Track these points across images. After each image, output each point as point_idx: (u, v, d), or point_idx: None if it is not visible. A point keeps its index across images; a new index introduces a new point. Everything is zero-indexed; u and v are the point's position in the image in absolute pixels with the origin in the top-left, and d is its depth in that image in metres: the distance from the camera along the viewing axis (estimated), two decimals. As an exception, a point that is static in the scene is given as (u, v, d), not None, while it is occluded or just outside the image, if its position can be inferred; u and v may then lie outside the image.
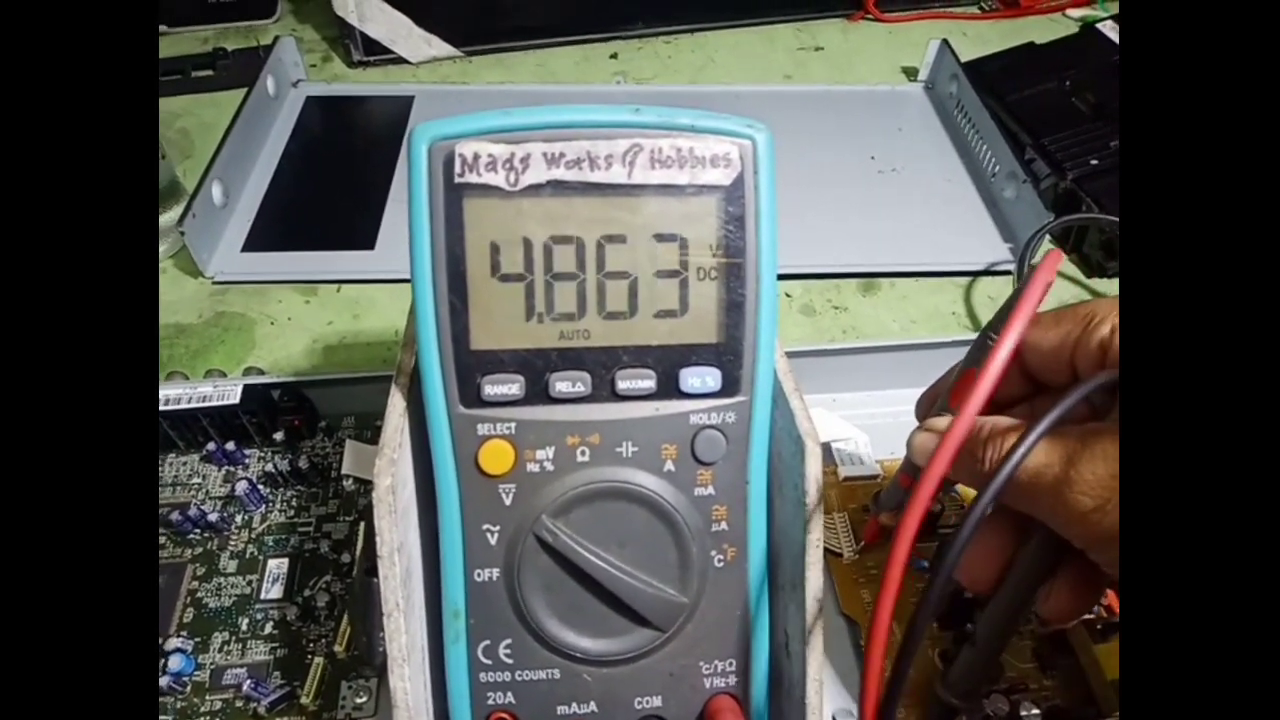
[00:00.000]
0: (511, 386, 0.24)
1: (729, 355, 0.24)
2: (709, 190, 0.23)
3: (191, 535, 0.36)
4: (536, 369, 0.24)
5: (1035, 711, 0.30)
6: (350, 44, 0.66)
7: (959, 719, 0.29)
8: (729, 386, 0.24)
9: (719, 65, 0.69)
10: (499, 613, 0.25)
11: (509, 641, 0.25)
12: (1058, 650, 0.32)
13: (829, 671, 0.32)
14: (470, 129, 0.23)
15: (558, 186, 0.23)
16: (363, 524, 0.35)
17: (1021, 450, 0.22)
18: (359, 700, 0.31)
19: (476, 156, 0.23)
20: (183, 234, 0.48)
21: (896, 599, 0.22)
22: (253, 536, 0.36)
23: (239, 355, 0.47)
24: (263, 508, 0.37)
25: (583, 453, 0.24)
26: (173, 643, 0.33)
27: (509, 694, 0.26)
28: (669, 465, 0.25)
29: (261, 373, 0.42)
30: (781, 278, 0.24)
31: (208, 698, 0.32)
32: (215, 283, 0.51)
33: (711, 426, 0.25)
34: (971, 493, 0.30)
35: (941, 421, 0.25)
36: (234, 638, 0.33)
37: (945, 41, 0.64)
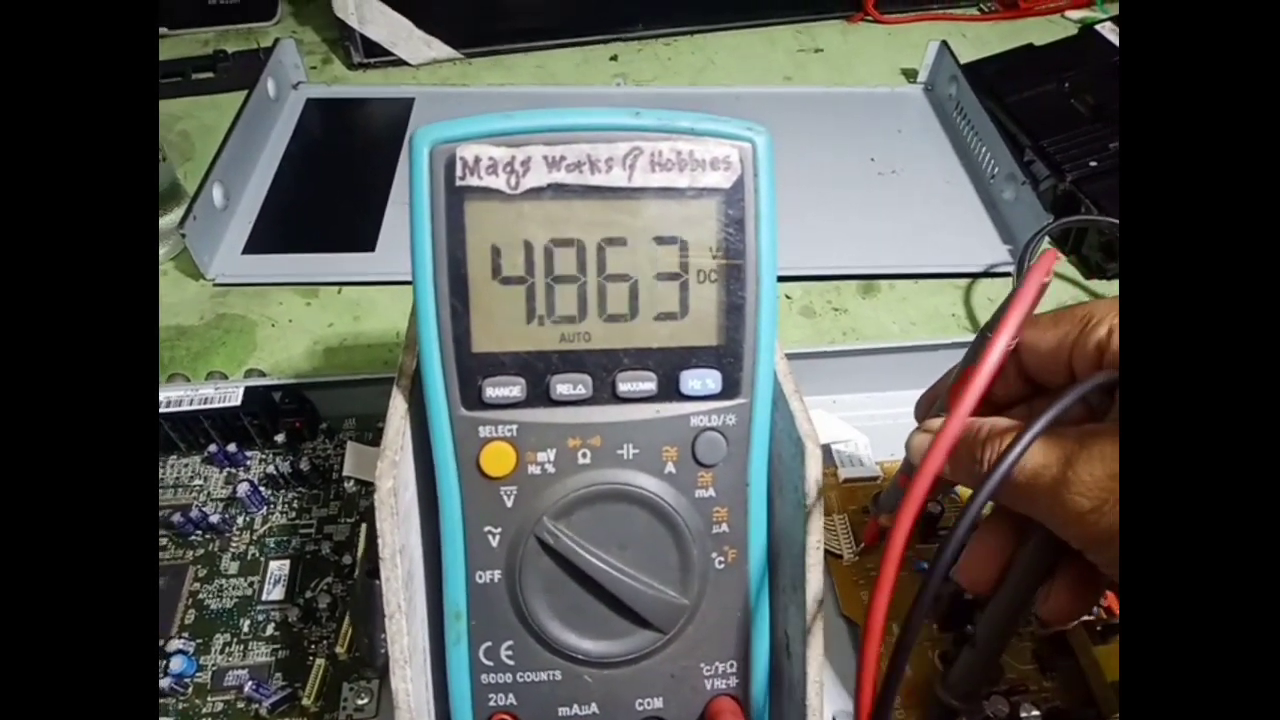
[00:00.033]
0: (513, 389, 0.24)
1: (729, 357, 0.24)
2: (709, 193, 0.23)
3: (193, 537, 0.36)
4: (538, 371, 0.24)
5: (1035, 713, 0.30)
6: (350, 46, 0.67)
7: (959, 720, 0.29)
8: (729, 389, 0.25)
9: (719, 67, 0.70)
10: (500, 614, 0.25)
11: (510, 643, 0.25)
12: (1058, 652, 0.32)
13: (829, 673, 0.32)
14: (471, 132, 0.23)
15: (558, 189, 0.23)
16: (364, 526, 0.36)
17: (1017, 450, 0.22)
18: (360, 701, 0.31)
19: (478, 159, 0.23)
20: (184, 236, 0.49)
21: (892, 595, 0.22)
22: (254, 538, 0.36)
23: (240, 357, 0.47)
24: (264, 509, 0.37)
25: (584, 455, 0.25)
26: (174, 644, 0.33)
27: (510, 695, 0.26)
28: (670, 467, 0.25)
29: (263, 375, 0.42)
30: (781, 279, 0.24)
31: (209, 699, 0.32)
32: (216, 285, 0.51)
33: (712, 429, 0.25)
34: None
35: (939, 422, 0.25)
36: (235, 639, 0.33)
37: (944, 43, 0.64)
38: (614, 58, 0.70)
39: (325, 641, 0.33)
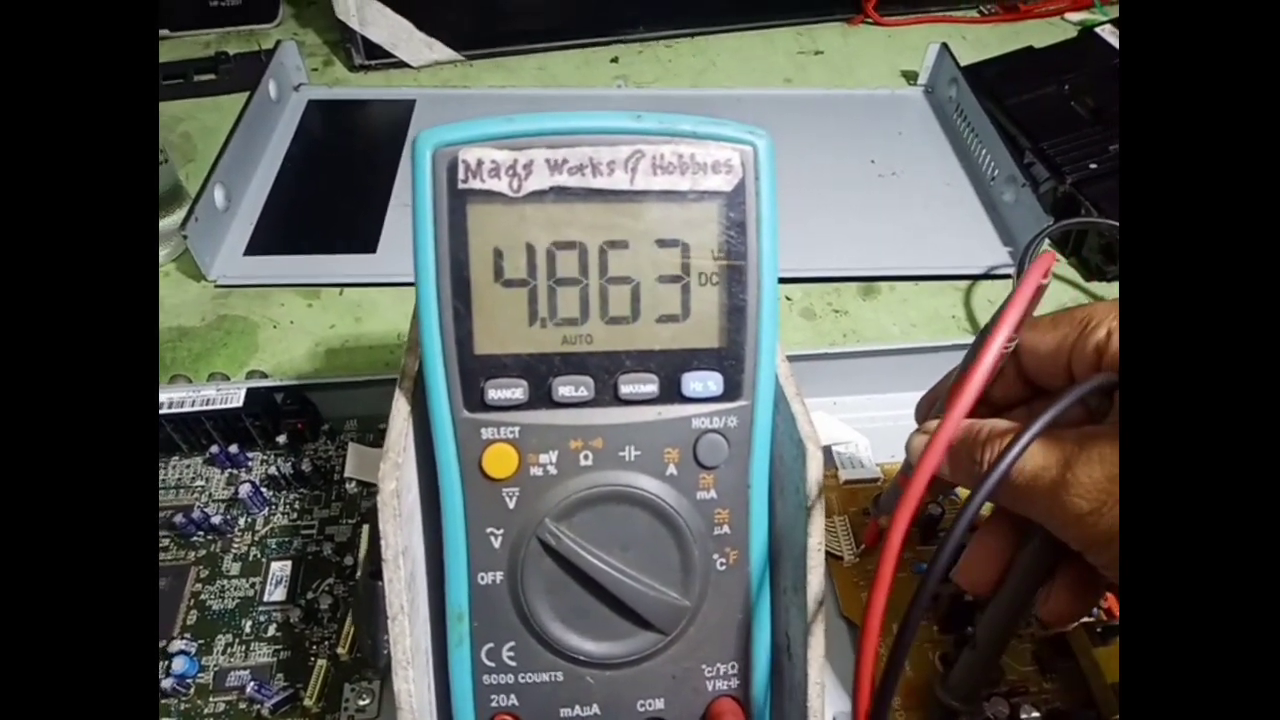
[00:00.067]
0: (515, 391, 0.24)
1: (731, 360, 0.24)
2: (710, 196, 0.24)
3: (195, 538, 0.36)
4: (540, 373, 0.24)
5: (1035, 714, 0.30)
6: (352, 48, 0.67)
7: (959, 721, 0.29)
8: (731, 391, 0.25)
9: (719, 69, 0.70)
10: (502, 615, 0.25)
11: (512, 644, 0.25)
12: (1058, 653, 0.32)
13: (830, 674, 0.32)
14: (473, 135, 0.23)
15: (560, 192, 0.23)
16: (366, 527, 0.36)
17: (1015, 451, 0.22)
18: (362, 702, 0.31)
19: (480, 163, 0.23)
20: (185, 238, 0.49)
21: (890, 595, 0.22)
22: (256, 539, 0.36)
23: (242, 358, 0.47)
24: (266, 510, 0.37)
25: (585, 457, 0.25)
26: (176, 645, 0.33)
27: (512, 696, 0.26)
28: (671, 469, 0.25)
29: (264, 376, 0.42)
30: (782, 281, 0.25)
31: (211, 699, 0.32)
32: (218, 286, 0.51)
33: (713, 430, 0.25)
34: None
35: (938, 423, 0.25)
36: (237, 640, 0.33)
37: (944, 45, 0.64)
38: (615, 59, 0.70)
39: (327, 642, 0.33)
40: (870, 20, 0.74)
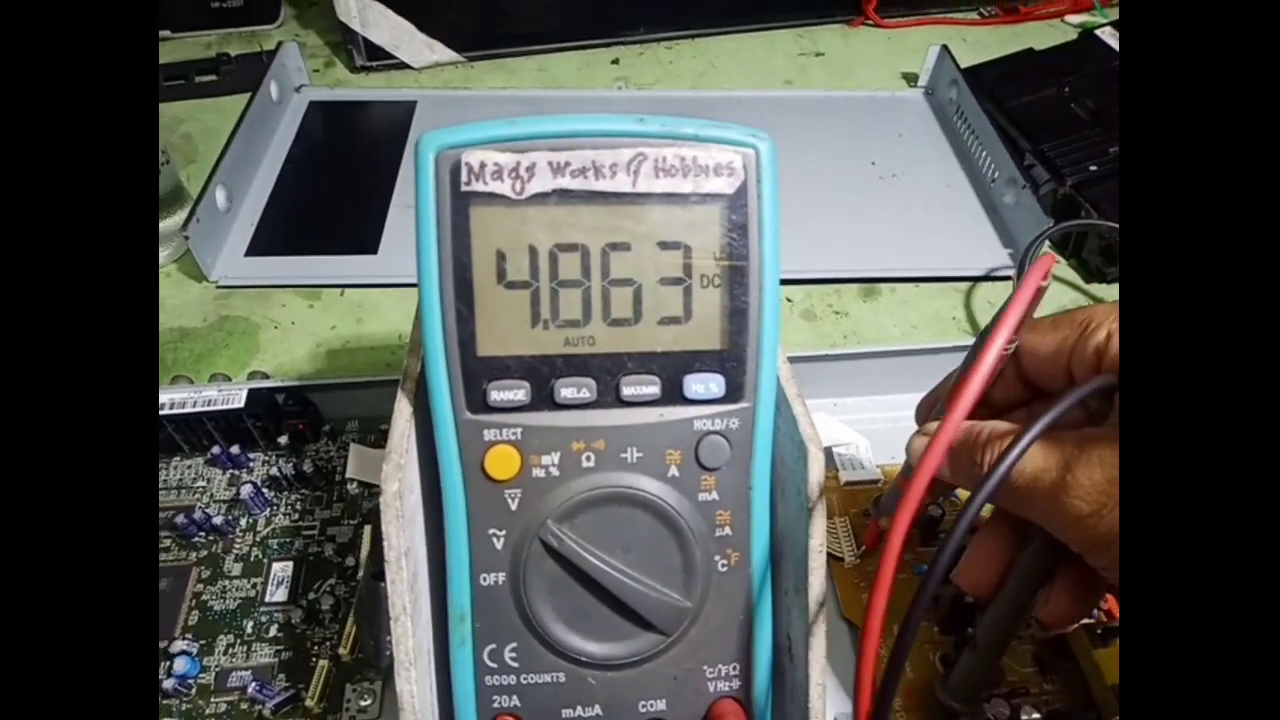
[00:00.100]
0: (517, 392, 0.24)
1: (732, 362, 0.24)
2: (712, 199, 0.24)
3: (196, 538, 0.36)
4: (542, 375, 0.24)
5: (1036, 716, 0.30)
6: (353, 49, 0.67)
7: (960, 722, 0.29)
8: (732, 393, 0.25)
9: (720, 70, 0.70)
10: (504, 616, 0.25)
11: (514, 645, 0.26)
12: (1058, 654, 0.32)
13: (830, 676, 0.32)
14: (476, 138, 0.23)
15: (563, 195, 0.23)
16: (368, 528, 0.36)
17: (1015, 453, 0.22)
18: (363, 703, 0.31)
19: (483, 165, 0.23)
20: (187, 238, 0.49)
21: (890, 596, 0.22)
22: (257, 540, 0.36)
23: (243, 359, 0.47)
24: (267, 511, 0.37)
25: (588, 458, 0.25)
26: (178, 645, 0.33)
27: (514, 697, 0.26)
28: (673, 471, 0.25)
29: (266, 376, 0.42)
30: (783, 282, 0.25)
31: (213, 700, 0.32)
32: (219, 287, 0.51)
33: (715, 432, 0.25)
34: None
35: (939, 425, 0.26)
36: (239, 640, 0.33)
37: (945, 47, 0.64)
38: (615, 61, 0.70)
39: (328, 643, 0.33)
40: (870, 22, 0.74)
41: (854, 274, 0.52)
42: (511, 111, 0.63)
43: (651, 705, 0.26)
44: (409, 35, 0.67)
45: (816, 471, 0.24)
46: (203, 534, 0.36)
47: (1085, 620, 0.31)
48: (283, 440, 0.39)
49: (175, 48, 0.70)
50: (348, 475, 0.38)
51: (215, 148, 0.54)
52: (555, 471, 0.25)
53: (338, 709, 0.31)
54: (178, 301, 0.50)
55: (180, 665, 0.32)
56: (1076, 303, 0.52)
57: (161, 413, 0.37)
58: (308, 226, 0.55)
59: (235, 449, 0.38)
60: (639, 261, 0.24)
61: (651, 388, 0.24)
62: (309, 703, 0.31)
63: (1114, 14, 0.75)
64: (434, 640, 0.27)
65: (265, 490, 0.37)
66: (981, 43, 0.72)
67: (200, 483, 0.38)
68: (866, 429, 0.40)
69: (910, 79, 0.68)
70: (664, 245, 0.24)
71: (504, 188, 0.23)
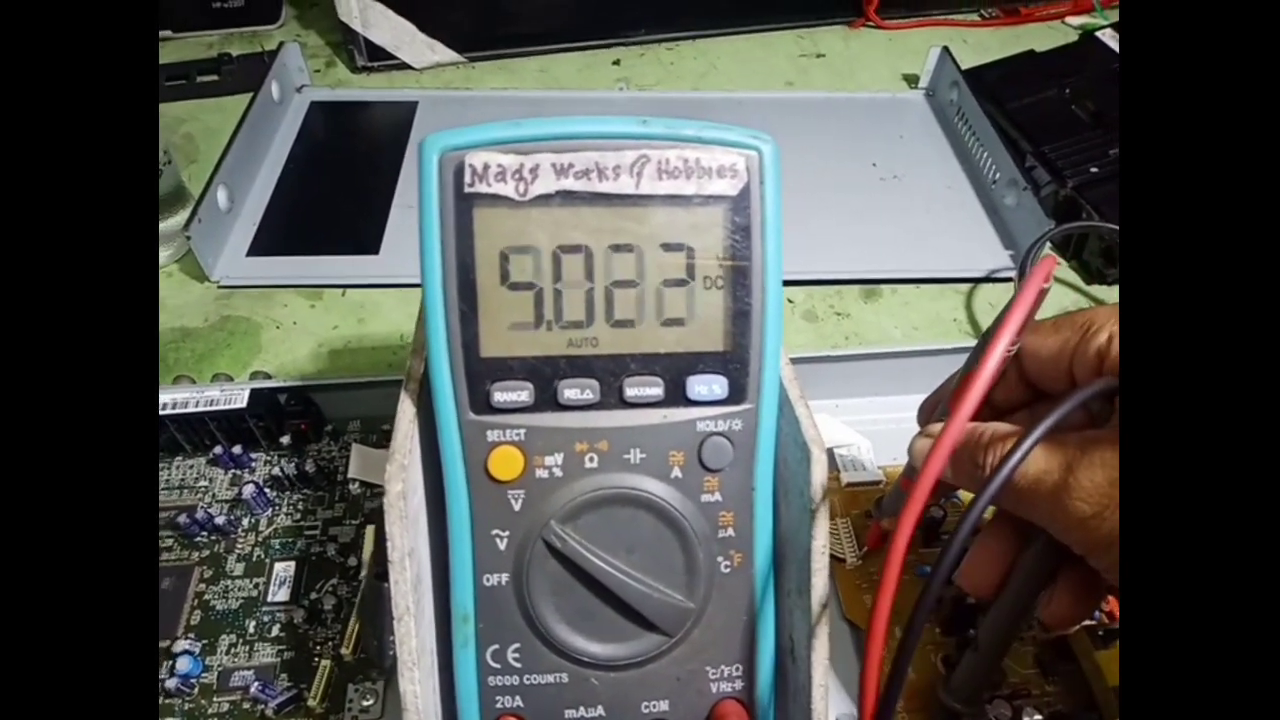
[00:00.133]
0: (521, 393, 0.24)
1: (735, 363, 0.25)
2: (716, 200, 0.24)
3: (199, 538, 0.36)
4: (545, 376, 0.24)
5: (1037, 717, 0.30)
6: (354, 49, 0.67)
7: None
8: (735, 394, 0.25)
9: (721, 72, 0.70)
10: (508, 617, 0.25)
11: (517, 646, 0.26)
12: (1060, 656, 0.32)
13: (833, 677, 0.32)
14: (480, 139, 0.23)
15: (566, 196, 0.23)
16: (371, 528, 0.36)
17: (1018, 455, 0.22)
18: (366, 703, 0.31)
19: (486, 167, 0.23)
20: (188, 238, 0.49)
21: (894, 598, 0.22)
22: (259, 540, 0.36)
23: (245, 359, 0.47)
24: (269, 511, 0.37)
25: (591, 459, 0.25)
26: (180, 645, 0.33)
27: (517, 697, 0.26)
28: (676, 472, 0.25)
29: (268, 377, 0.42)
30: (784, 284, 0.25)
31: (215, 699, 0.32)
32: (221, 287, 0.51)
33: (718, 434, 0.25)
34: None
35: (941, 427, 0.26)
36: (241, 640, 0.33)
37: (946, 49, 0.64)
38: (616, 62, 0.71)
39: (330, 643, 0.33)
40: (871, 23, 0.74)
41: (855, 275, 0.52)
42: (513, 112, 0.64)
43: (654, 706, 0.26)
44: (410, 36, 0.67)
45: (820, 473, 0.24)
46: (205, 534, 0.36)
47: (1087, 622, 0.31)
48: (285, 440, 0.39)
49: (177, 48, 0.70)
50: (350, 475, 0.38)
51: (217, 148, 0.54)
52: (558, 472, 0.25)
53: (340, 709, 0.31)
54: (179, 301, 0.50)
55: (183, 665, 0.32)
56: (1077, 304, 0.52)
57: (164, 413, 0.37)
58: (309, 227, 0.55)
59: (237, 449, 0.38)
60: (642, 263, 0.24)
61: (654, 389, 0.24)
62: (311, 703, 0.31)
63: (1115, 16, 0.75)
64: (437, 640, 0.27)
65: (267, 490, 0.38)
66: (982, 44, 0.73)
67: (202, 482, 0.38)
68: (868, 430, 0.40)
69: (911, 80, 0.68)
70: (667, 247, 0.24)
71: (507, 189, 0.23)
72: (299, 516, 0.37)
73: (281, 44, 0.63)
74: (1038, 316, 0.24)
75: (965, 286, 0.52)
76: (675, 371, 0.24)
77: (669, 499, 0.25)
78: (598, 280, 0.24)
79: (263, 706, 0.31)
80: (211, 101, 0.65)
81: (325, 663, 0.32)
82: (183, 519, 0.36)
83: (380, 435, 0.40)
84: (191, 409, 0.37)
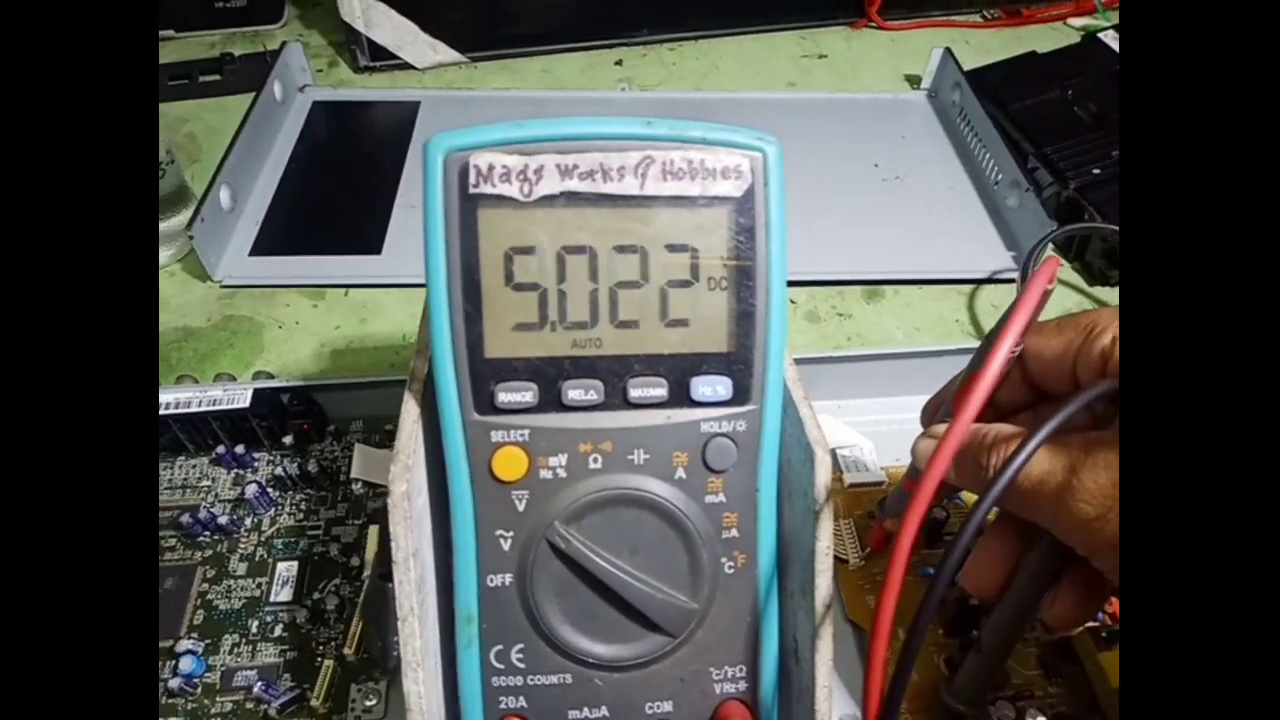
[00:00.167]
0: (525, 394, 0.24)
1: (739, 364, 0.25)
2: (720, 202, 0.24)
3: (201, 538, 0.36)
4: (549, 377, 0.24)
5: (1041, 718, 0.30)
6: (356, 49, 0.67)
7: (964, 725, 0.29)
8: (739, 395, 0.25)
9: (723, 72, 0.70)
10: (511, 618, 0.25)
11: (521, 646, 0.26)
12: (1063, 657, 0.32)
13: (836, 678, 0.32)
14: (484, 140, 0.23)
15: (571, 197, 0.23)
16: (374, 528, 0.36)
17: (1021, 457, 0.22)
18: (369, 703, 0.31)
19: (491, 167, 0.23)
20: (191, 238, 0.49)
21: (898, 600, 0.22)
22: (262, 539, 0.37)
23: (247, 359, 0.47)
24: (272, 511, 0.37)
25: (595, 460, 0.25)
26: (183, 644, 0.33)
27: (521, 698, 0.26)
28: (680, 473, 0.25)
29: (271, 376, 0.42)
30: (787, 284, 0.25)
31: (218, 699, 0.32)
32: (223, 286, 0.51)
33: (722, 434, 0.25)
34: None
35: (945, 428, 0.26)
36: (244, 640, 0.33)
37: (948, 50, 0.64)
38: (619, 62, 0.71)
39: (333, 643, 0.33)
40: (874, 24, 0.74)
41: (857, 276, 0.52)
42: (515, 113, 0.64)
43: (658, 707, 0.26)
44: (412, 36, 0.67)
45: (824, 474, 0.24)
46: (208, 533, 0.36)
47: (1090, 623, 0.31)
48: (287, 440, 0.39)
49: (179, 47, 0.70)
50: (353, 475, 0.38)
51: (219, 147, 0.54)
52: (563, 473, 0.25)
53: (343, 709, 0.31)
54: (182, 301, 0.50)
55: (186, 664, 0.32)
56: (1080, 306, 0.52)
57: (166, 412, 0.37)
58: (311, 226, 0.55)
59: (240, 449, 0.38)
60: (646, 264, 0.24)
61: (659, 390, 0.24)
62: (314, 702, 0.31)
63: (1116, 17, 0.75)
64: (441, 641, 0.27)
65: (270, 490, 0.38)
66: (984, 45, 0.72)
67: (205, 482, 0.38)
68: (870, 431, 0.40)
69: (913, 81, 0.68)
70: (671, 248, 0.24)
71: (512, 190, 0.23)
72: (301, 516, 0.37)
73: (284, 44, 0.63)
74: (1041, 318, 0.24)
75: (968, 287, 0.52)
76: (679, 372, 0.24)
77: (673, 500, 0.25)
78: (602, 281, 0.24)
79: (266, 706, 0.31)
80: (214, 101, 0.65)
81: (328, 663, 0.32)
82: (186, 519, 0.36)
83: (383, 435, 0.40)
84: (194, 409, 0.37)
